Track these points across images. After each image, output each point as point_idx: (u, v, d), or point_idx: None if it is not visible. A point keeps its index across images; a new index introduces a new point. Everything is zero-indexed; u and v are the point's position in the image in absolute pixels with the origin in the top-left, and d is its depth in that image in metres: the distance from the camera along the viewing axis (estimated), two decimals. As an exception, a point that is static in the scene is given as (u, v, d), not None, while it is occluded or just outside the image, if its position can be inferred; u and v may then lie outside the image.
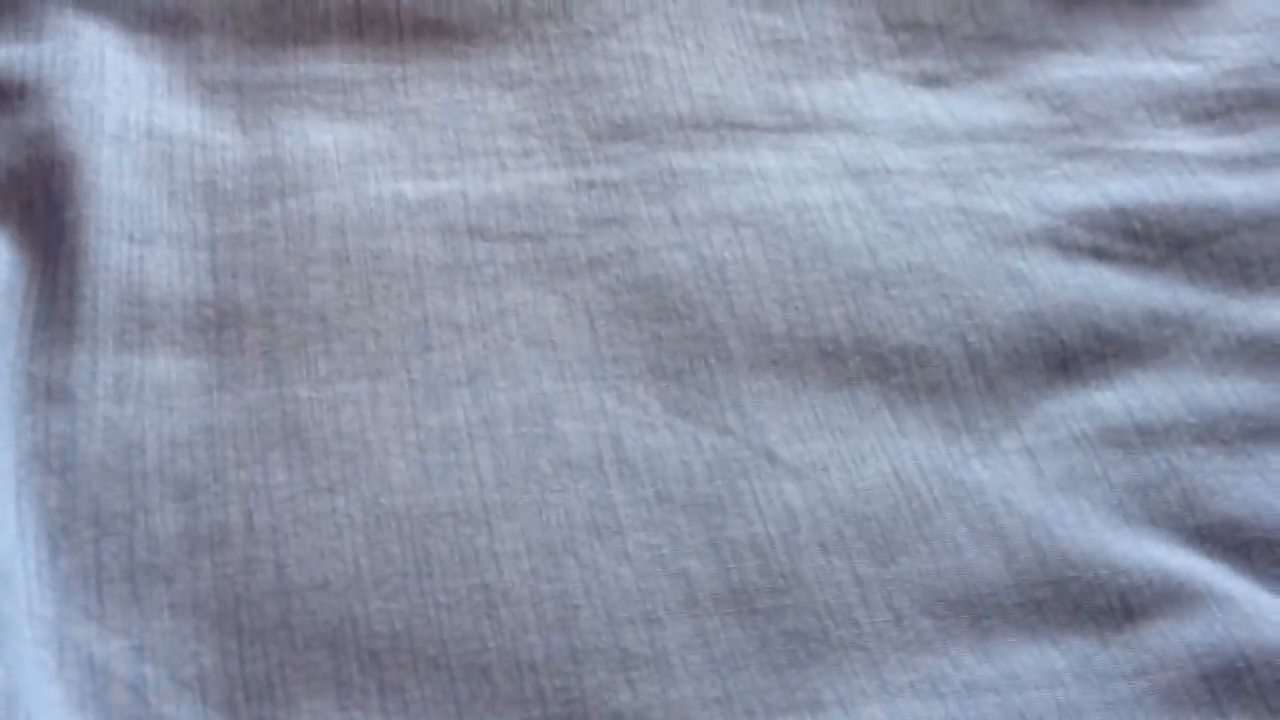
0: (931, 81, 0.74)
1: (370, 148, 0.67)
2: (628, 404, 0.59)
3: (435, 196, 0.65)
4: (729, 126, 0.70)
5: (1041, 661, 0.53)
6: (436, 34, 0.72)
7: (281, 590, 0.52)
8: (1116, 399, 0.61)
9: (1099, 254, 0.66)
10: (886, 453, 0.58)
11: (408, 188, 0.65)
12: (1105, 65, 0.75)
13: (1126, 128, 0.72)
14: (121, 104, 0.66)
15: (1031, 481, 0.58)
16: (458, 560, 0.54)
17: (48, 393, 0.56)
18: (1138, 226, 0.67)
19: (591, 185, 0.67)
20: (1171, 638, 0.53)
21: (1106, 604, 0.54)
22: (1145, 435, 0.59)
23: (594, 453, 0.57)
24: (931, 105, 0.72)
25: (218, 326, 0.60)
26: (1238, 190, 0.68)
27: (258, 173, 0.65)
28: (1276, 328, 0.63)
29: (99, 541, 0.53)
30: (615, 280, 0.63)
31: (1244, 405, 0.61)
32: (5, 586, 0.50)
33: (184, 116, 0.67)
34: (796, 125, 0.70)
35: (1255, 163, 0.70)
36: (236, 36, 0.70)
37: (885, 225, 0.66)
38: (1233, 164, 0.70)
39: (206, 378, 0.58)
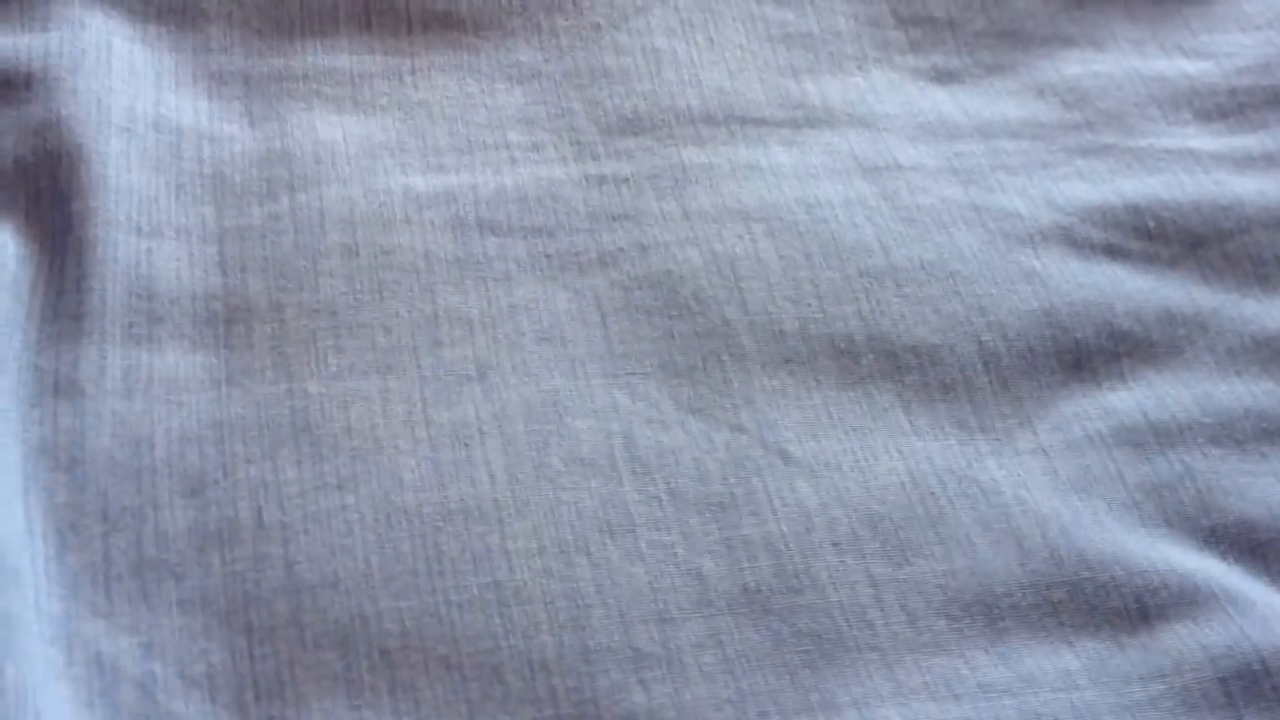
0: (943, 77, 0.73)
1: (379, 141, 0.66)
2: (640, 401, 0.59)
3: (445, 190, 0.65)
4: (740, 121, 0.69)
5: (1057, 663, 0.52)
6: (445, 26, 0.71)
7: (291, 588, 0.52)
8: (1131, 399, 0.60)
9: (1112, 252, 0.65)
10: (900, 452, 0.58)
11: (417, 181, 0.65)
12: (1118, 62, 0.74)
13: (1139, 125, 0.71)
14: (128, 95, 0.65)
15: (1046, 482, 0.57)
16: (469, 558, 0.53)
17: (55, 387, 0.56)
18: (1151, 225, 0.66)
19: (602, 180, 0.66)
20: (1188, 640, 0.53)
21: (1122, 605, 0.54)
22: (1160, 435, 0.59)
23: (606, 450, 0.57)
24: (943, 101, 0.72)
25: (226, 321, 0.59)
26: (1251, 188, 0.68)
27: (266, 165, 0.64)
28: (1291, 327, 0.63)
29: (107, 537, 0.52)
30: (626, 276, 0.63)
31: (1259, 405, 0.60)
32: (13, 583, 0.49)
33: (191, 108, 0.66)
34: (808, 120, 0.70)
35: (1269, 160, 0.70)
36: (244, 28, 0.70)
37: (897, 222, 0.66)
38: (1246, 162, 0.70)
39: (215, 372, 0.57)
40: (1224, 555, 0.56)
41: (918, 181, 0.67)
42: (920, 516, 0.56)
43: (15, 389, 0.55)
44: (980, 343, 0.62)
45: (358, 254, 0.62)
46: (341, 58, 0.69)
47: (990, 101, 0.72)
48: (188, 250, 0.61)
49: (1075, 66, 0.74)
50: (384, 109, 0.68)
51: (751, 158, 0.68)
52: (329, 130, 0.66)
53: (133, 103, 0.65)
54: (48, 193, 0.61)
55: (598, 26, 0.72)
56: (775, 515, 0.56)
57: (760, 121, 0.69)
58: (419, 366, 0.59)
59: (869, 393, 0.60)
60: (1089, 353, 0.62)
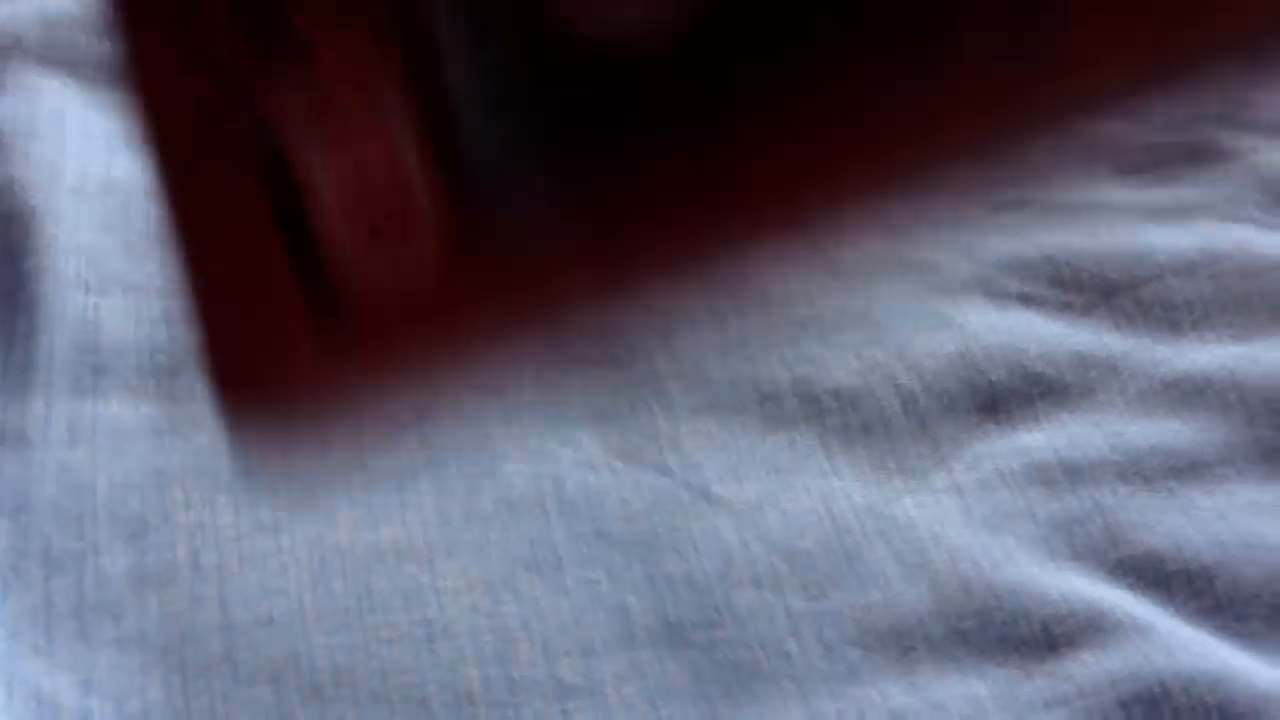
0: (870, 136, 0.76)
1: (323, 201, 0.69)
2: (568, 447, 0.61)
3: (385, 247, 0.67)
4: (673, 180, 0.72)
5: (966, 691, 0.54)
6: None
7: (226, 626, 0.54)
8: (1044, 438, 0.62)
9: (1028, 300, 0.68)
10: (820, 492, 0.60)
11: (358, 239, 0.67)
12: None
13: (1057, 180, 0.74)
14: (81, 158, 0.68)
15: (960, 518, 0.59)
16: (400, 597, 0.55)
17: (3, 437, 0.58)
18: (1066, 274, 0.69)
19: (538, 236, 0.69)
20: (1092, 666, 0.54)
21: (1030, 634, 0.55)
22: (1071, 473, 0.61)
23: (536, 493, 0.59)
24: (869, 159, 0.75)
25: (170, 372, 0.61)
26: (1164, 238, 0.71)
27: (212, 225, 0.67)
28: (1199, 370, 0.65)
29: (49, 580, 0.54)
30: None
31: (1166, 444, 0.62)
32: (-45, 623, 0.51)
33: (141, 170, 0.68)
34: (738, 178, 0.73)
35: (1182, 212, 0.72)
36: (194, 94, 0.72)
37: (822, 273, 0.68)
38: (1160, 213, 0.72)
39: (157, 422, 0.60)
40: (1130, 586, 0.58)
41: (843, 234, 0.70)
42: (837, 552, 0.58)
43: (-36, 440, 0.57)
44: (898, 385, 0.64)
45: (299, 308, 0.64)
46: (288, 122, 0.72)
47: (914, 159, 0.75)
48: (134, 305, 0.63)
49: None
50: (328, 170, 0.70)
51: (683, 214, 0.70)
52: (274, 191, 0.69)
53: (85, 166, 0.67)
54: (1, 253, 0.64)
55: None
56: (698, 553, 0.58)
57: (692, 180, 0.72)
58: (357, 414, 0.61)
59: (792, 436, 0.62)
60: (1004, 394, 0.64)
